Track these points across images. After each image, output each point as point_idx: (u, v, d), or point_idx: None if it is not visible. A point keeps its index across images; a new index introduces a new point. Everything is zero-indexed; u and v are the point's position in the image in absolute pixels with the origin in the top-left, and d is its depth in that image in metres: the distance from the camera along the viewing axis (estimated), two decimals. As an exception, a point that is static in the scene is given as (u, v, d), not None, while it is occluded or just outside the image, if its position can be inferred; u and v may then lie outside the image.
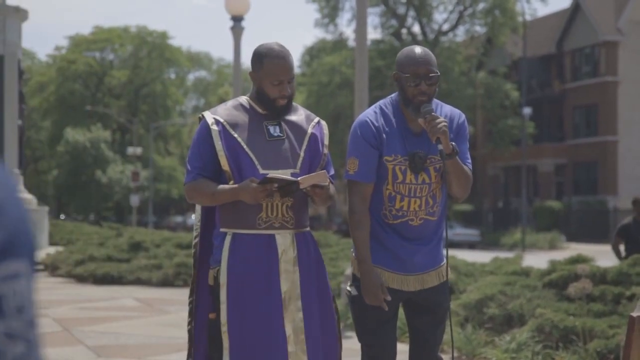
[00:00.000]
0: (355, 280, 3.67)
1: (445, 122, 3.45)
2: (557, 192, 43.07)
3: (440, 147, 3.43)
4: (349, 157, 3.59)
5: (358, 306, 3.65)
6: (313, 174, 3.47)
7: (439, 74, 3.55)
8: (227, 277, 3.46)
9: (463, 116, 3.74)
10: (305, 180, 3.40)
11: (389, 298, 3.54)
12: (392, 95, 3.68)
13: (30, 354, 0.70)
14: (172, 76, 64.00)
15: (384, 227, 3.60)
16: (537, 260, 14.79)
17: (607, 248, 13.21)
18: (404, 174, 3.55)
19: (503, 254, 15.01)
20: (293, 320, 3.50)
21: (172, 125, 60.40)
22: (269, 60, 3.51)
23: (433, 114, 3.46)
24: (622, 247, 9.86)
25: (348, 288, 3.71)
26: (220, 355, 3.45)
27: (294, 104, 3.68)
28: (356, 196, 3.57)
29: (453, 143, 3.49)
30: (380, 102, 3.67)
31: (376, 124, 3.56)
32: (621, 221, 10.73)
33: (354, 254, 3.70)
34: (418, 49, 3.56)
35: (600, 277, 7.59)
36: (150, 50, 59.40)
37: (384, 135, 3.54)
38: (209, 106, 60.05)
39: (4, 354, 0.68)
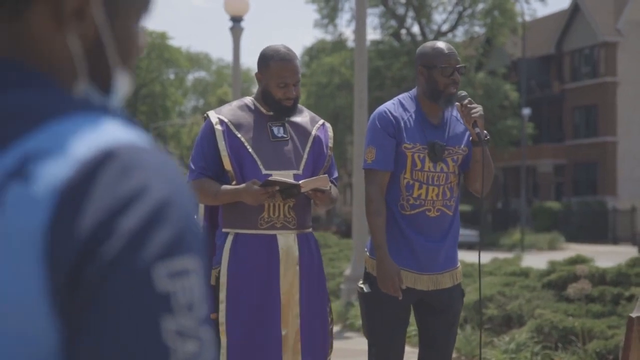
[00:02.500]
0: (367, 278, 3.68)
1: (481, 107, 3.58)
2: (556, 192, 43.05)
3: (477, 130, 3.51)
4: (367, 146, 3.66)
5: (370, 304, 3.65)
6: (314, 177, 3.49)
7: (465, 65, 3.72)
8: (227, 278, 3.47)
9: None
10: (306, 184, 3.42)
11: (404, 286, 3.55)
12: (410, 91, 3.75)
13: (201, 353, 0.70)
14: (172, 77, 63.95)
15: (401, 221, 3.62)
16: (536, 260, 14.80)
17: (606, 248, 13.21)
18: (422, 162, 3.60)
19: (502, 255, 15.01)
20: (292, 321, 3.51)
21: (172, 126, 60.39)
22: (275, 62, 3.52)
23: (469, 99, 3.57)
24: (623, 249, 9.84)
25: (360, 285, 3.70)
26: (218, 354, 3.46)
27: (299, 105, 3.69)
28: (373, 184, 3.61)
29: (485, 131, 3.59)
30: (399, 96, 3.77)
31: (394, 114, 3.63)
32: None
33: (367, 252, 3.72)
34: (442, 43, 3.69)
35: (599, 277, 7.60)
36: (150, 51, 59.33)
37: (402, 125, 3.60)
38: (208, 107, 59.99)
39: (175, 352, 0.68)
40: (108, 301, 0.68)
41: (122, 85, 0.82)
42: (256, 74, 3.62)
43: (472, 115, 3.53)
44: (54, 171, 0.70)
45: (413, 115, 3.64)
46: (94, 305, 0.68)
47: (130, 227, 0.69)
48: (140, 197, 0.70)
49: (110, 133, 0.73)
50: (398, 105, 3.67)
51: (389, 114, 3.62)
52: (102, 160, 0.70)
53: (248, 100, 3.70)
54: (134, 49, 0.83)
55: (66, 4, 0.76)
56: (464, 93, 3.60)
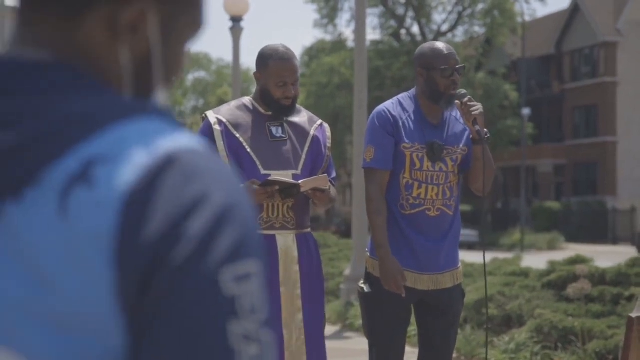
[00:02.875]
0: (368, 278, 3.68)
1: (480, 105, 3.59)
2: (556, 192, 43.05)
3: (477, 127, 3.51)
4: (366, 146, 3.67)
5: (371, 304, 3.65)
6: (314, 177, 3.49)
7: (464, 65, 3.71)
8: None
9: None
10: (306, 184, 3.42)
11: (407, 283, 3.56)
12: (409, 91, 3.76)
13: (263, 356, 0.71)
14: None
15: (401, 220, 3.61)
16: (536, 260, 14.80)
17: (606, 248, 13.21)
18: (421, 161, 3.60)
19: (502, 255, 15.01)
20: (293, 321, 3.50)
21: (172, 126, 60.32)
22: (273, 61, 3.53)
23: (469, 97, 3.58)
24: (622, 249, 9.84)
25: (361, 285, 3.70)
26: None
27: (297, 105, 3.70)
28: (373, 184, 3.61)
29: (485, 129, 3.59)
30: (398, 96, 3.78)
31: (393, 113, 3.64)
32: None
33: (368, 253, 3.72)
34: (441, 44, 3.69)
35: (599, 277, 7.60)
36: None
37: (401, 124, 3.61)
38: (208, 107, 60.00)
39: (240, 355, 0.69)
40: (177, 306, 0.68)
41: (160, 102, 0.83)
42: (255, 74, 3.62)
43: (472, 113, 3.53)
44: (119, 176, 0.70)
45: (412, 115, 3.64)
46: (162, 309, 0.68)
47: (197, 232, 0.69)
48: (204, 202, 0.70)
49: (169, 138, 0.73)
50: (397, 105, 3.67)
51: (388, 113, 3.62)
52: (165, 166, 0.70)
53: (246, 100, 3.69)
54: (178, 69, 0.84)
55: (121, 16, 0.77)
56: (463, 91, 3.61)
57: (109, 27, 0.77)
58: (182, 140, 0.73)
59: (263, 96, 3.60)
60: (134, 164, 0.70)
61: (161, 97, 0.83)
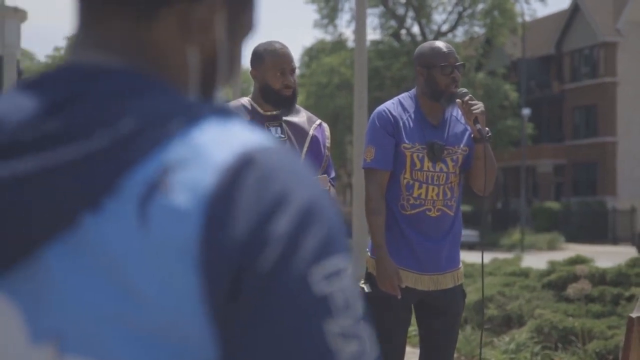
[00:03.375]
0: (369, 278, 3.67)
1: (482, 104, 3.58)
2: (556, 192, 43.05)
3: (478, 126, 3.51)
4: (366, 146, 3.67)
5: (371, 304, 3.65)
6: None
7: (464, 62, 3.73)
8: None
9: None
10: None
11: (403, 285, 3.55)
12: (410, 91, 3.76)
13: (364, 352, 0.69)
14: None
15: (401, 220, 3.61)
16: (536, 261, 14.79)
17: (606, 249, 13.21)
18: (421, 162, 3.60)
19: (502, 255, 15.01)
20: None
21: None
22: (268, 52, 3.56)
23: (470, 95, 3.57)
24: (623, 249, 9.84)
25: (361, 285, 3.70)
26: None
27: (296, 106, 3.69)
28: (373, 184, 3.61)
29: (487, 128, 3.59)
30: (399, 96, 3.78)
31: (394, 113, 3.64)
32: None
33: (369, 252, 3.71)
34: (440, 42, 3.70)
35: (599, 277, 7.60)
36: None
37: (402, 124, 3.61)
38: (208, 107, 59.93)
39: (340, 354, 0.67)
40: (270, 311, 0.66)
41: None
42: (251, 72, 3.63)
43: (473, 112, 3.52)
44: (198, 180, 0.68)
45: (412, 115, 3.64)
46: (255, 316, 0.66)
47: (283, 233, 0.67)
48: (286, 201, 0.69)
49: (242, 138, 0.71)
50: (397, 105, 3.67)
51: (389, 113, 3.62)
52: (243, 166, 0.69)
53: (245, 100, 3.69)
54: (238, 68, 0.83)
55: (193, 16, 0.75)
56: (464, 90, 3.60)
57: (181, 26, 0.76)
58: (256, 139, 0.72)
59: (263, 92, 3.60)
60: (212, 167, 0.68)
61: (220, 95, 0.82)
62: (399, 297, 3.53)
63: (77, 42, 0.76)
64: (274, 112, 3.62)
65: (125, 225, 0.67)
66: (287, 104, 3.60)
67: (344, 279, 0.70)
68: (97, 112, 0.69)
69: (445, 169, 3.63)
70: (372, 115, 3.72)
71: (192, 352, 0.67)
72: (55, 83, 0.71)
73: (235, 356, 0.67)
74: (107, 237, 0.67)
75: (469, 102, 3.55)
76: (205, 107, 0.73)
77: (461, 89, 3.61)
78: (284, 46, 3.62)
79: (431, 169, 3.61)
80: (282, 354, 0.66)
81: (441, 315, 3.70)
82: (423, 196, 3.60)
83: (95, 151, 0.68)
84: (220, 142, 0.70)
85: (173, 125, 0.70)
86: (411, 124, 3.62)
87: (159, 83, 0.74)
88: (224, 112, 0.73)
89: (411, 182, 3.61)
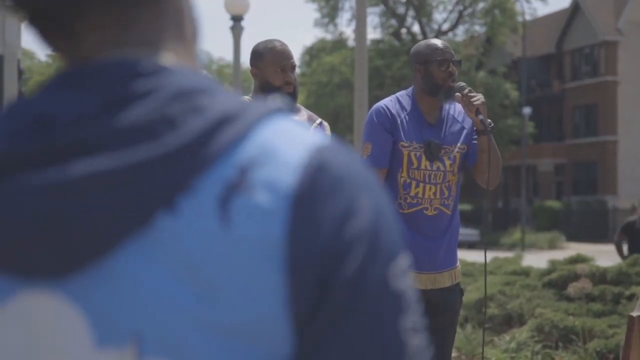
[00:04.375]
0: None
1: (482, 95, 3.61)
2: (556, 191, 43.06)
3: (480, 117, 3.52)
4: (363, 142, 3.68)
5: None
6: None
7: (460, 59, 3.76)
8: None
9: None
10: None
11: None
12: (407, 89, 3.77)
13: (424, 345, 0.71)
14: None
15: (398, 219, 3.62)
16: (536, 260, 14.79)
17: (606, 248, 13.22)
18: (418, 160, 3.61)
19: (503, 254, 15.01)
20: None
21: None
22: (268, 50, 3.58)
23: (469, 88, 3.60)
24: (625, 247, 9.86)
25: None
26: None
27: (296, 105, 3.70)
28: None
29: (489, 120, 3.60)
30: (397, 94, 3.78)
31: (392, 110, 3.65)
32: (626, 219, 10.72)
33: None
34: (435, 39, 3.75)
35: (599, 276, 7.60)
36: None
37: (399, 122, 3.62)
38: (208, 106, 59.93)
39: (411, 348, 0.69)
40: (354, 309, 0.67)
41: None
42: (251, 70, 3.64)
43: (474, 103, 3.53)
44: (278, 179, 0.67)
45: (410, 114, 3.66)
46: (338, 314, 0.67)
47: (364, 232, 0.68)
48: (362, 199, 0.69)
49: (304, 135, 0.71)
50: (395, 102, 3.68)
51: (387, 110, 3.64)
52: (318, 165, 0.68)
53: (246, 99, 3.70)
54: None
55: None
56: (462, 84, 3.62)
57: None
58: (318, 138, 0.71)
59: (263, 89, 3.61)
60: (289, 166, 0.68)
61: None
62: None
63: (107, 39, 0.73)
64: None
65: (204, 224, 0.66)
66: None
67: (409, 274, 0.71)
68: (164, 111, 0.68)
69: (442, 168, 3.63)
70: (369, 112, 3.74)
71: (273, 351, 0.67)
72: (105, 81, 0.69)
73: (314, 354, 0.67)
74: (185, 236, 0.66)
75: (469, 94, 3.55)
76: (265, 105, 0.72)
77: (459, 82, 3.63)
78: (284, 44, 3.64)
79: (428, 168, 3.62)
80: (362, 350, 0.67)
81: (439, 313, 3.71)
82: (420, 195, 3.61)
83: (167, 151, 0.66)
84: (287, 141, 0.70)
85: (242, 124, 0.69)
86: (409, 123, 3.64)
87: (209, 79, 0.73)
88: (281, 111, 0.73)
89: (408, 180, 3.61)
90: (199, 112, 0.68)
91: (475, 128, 3.65)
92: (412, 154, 3.61)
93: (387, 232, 0.70)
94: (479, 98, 3.55)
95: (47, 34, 0.74)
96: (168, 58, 0.73)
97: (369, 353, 0.67)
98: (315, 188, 0.68)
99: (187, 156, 0.67)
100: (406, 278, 0.70)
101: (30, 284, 0.67)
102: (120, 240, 0.66)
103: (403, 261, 0.70)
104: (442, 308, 3.71)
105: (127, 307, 0.66)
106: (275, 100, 0.75)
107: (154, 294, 0.66)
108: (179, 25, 0.75)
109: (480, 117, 3.55)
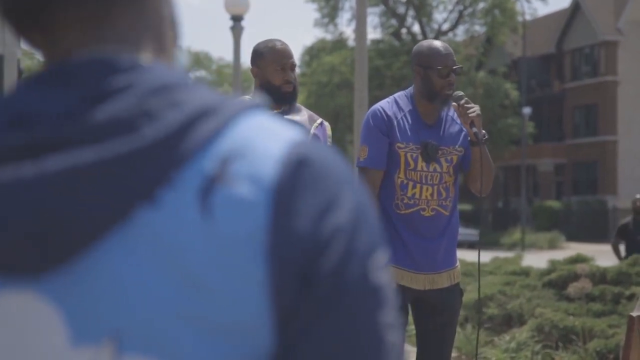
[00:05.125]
0: None
1: (478, 107, 3.60)
2: (556, 191, 43.06)
3: (474, 129, 3.52)
4: (360, 145, 3.69)
5: None
6: None
7: (462, 65, 3.71)
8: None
9: None
10: None
11: (403, 282, 3.58)
12: (406, 89, 3.77)
13: (398, 341, 0.71)
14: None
15: (396, 220, 3.63)
16: (536, 260, 14.79)
17: (606, 248, 13.23)
18: (415, 162, 3.61)
19: (502, 254, 15.01)
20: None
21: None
22: (268, 49, 3.59)
23: (466, 98, 3.59)
24: (622, 247, 9.86)
25: None
26: None
27: (297, 104, 3.71)
28: (365, 182, 3.62)
29: (484, 131, 3.60)
30: (395, 95, 3.78)
31: (388, 113, 3.65)
32: (621, 221, 10.75)
33: None
34: (439, 43, 3.71)
35: (599, 276, 7.60)
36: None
37: (396, 124, 3.62)
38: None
39: (389, 344, 0.69)
40: (334, 302, 0.67)
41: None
42: (252, 70, 3.66)
43: (469, 115, 3.54)
44: (259, 171, 0.67)
45: (407, 115, 3.65)
46: (319, 306, 0.66)
47: (344, 225, 0.68)
48: (343, 192, 0.69)
49: (282, 130, 0.71)
50: (393, 104, 3.68)
51: (383, 113, 3.64)
52: (298, 158, 0.69)
53: (245, 100, 3.71)
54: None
55: None
56: (460, 93, 3.61)
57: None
58: (295, 133, 0.72)
59: (263, 89, 3.62)
60: (270, 158, 0.68)
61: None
62: None
63: (84, 37, 0.73)
64: (276, 111, 3.62)
65: (185, 217, 0.66)
66: (288, 100, 3.62)
67: (387, 270, 0.71)
68: (142, 105, 0.67)
69: (439, 169, 3.64)
70: (366, 114, 3.75)
71: (254, 344, 0.66)
72: (83, 77, 0.69)
73: (294, 346, 0.67)
74: (166, 229, 0.66)
75: (465, 105, 3.56)
76: (240, 101, 0.72)
77: (457, 92, 3.62)
78: (284, 43, 3.65)
79: (425, 169, 3.62)
80: (342, 344, 0.67)
81: (437, 314, 3.71)
82: (417, 196, 3.62)
83: (147, 144, 0.66)
84: (267, 135, 0.70)
85: (220, 117, 0.69)
86: (406, 124, 3.63)
87: (186, 75, 0.72)
88: (257, 107, 0.73)
89: (405, 181, 3.62)
90: (177, 106, 0.68)
91: (469, 139, 3.65)
92: (409, 155, 3.61)
93: (367, 226, 0.69)
94: (474, 110, 3.55)
95: (22, 27, 0.74)
96: (146, 56, 0.72)
97: (349, 347, 0.67)
98: (296, 181, 0.68)
99: (167, 149, 0.66)
100: (385, 273, 0.70)
101: (7, 282, 0.66)
102: (100, 235, 0.65)
103: (382, 256, 0.70)
104: (440, 308, 3.71)
105: (106, 303, 0.65)
106: (254, 97, 0.75)
107: (134, 289, 0.65)
108: (158, 27, 0.75)
109: (474, 129, 3.55)
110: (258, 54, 3.64)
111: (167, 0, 0.77)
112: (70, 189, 0.64)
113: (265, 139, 0.69)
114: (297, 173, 0.68)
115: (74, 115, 0.67)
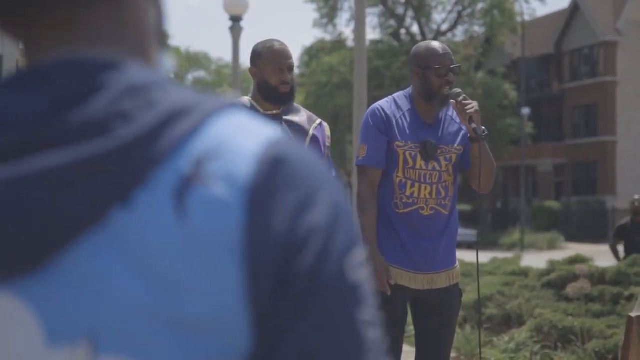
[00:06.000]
0: None
1: (476, 103, 3.61)
2: (556, 192, 43.06)
3: (473, 125, 3.53)
4: (360, 144, 3.70)
5: None
6: None
7: (460, 65, 3.72)
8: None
9: None
10: None
11: (392, 282, 3.57)
12: (405, 90, 3.78)
13: (379, 338, 0.71)
14: (171, 76, 64.01)
15: (395, 219, 3.63)
16: (535, 260, 14.79)
17: (605, 248, 13.23)
18: (414, 160, 3.62)
19: (502, 254, 15.01)
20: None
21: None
22: (266, 49, 3.60)
23: (464, 95, 3.59)
24: (621, 248, 9.86)
25: None
26: None
27: (296, 105, 3.71)
28: (364, 181, 3.64)
29: (483, 127, 3.60)
30: (394, 94, 3.80)
31: (387, 112, 3.66)
32: (619, 222, 10.76)
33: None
34: (437, 43, 3.72)
35: (598, 277, 7.61)
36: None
37: (395, 123, 3.63)
38: (208, 106, 59.92)
39: (368, 341, 0.69)
40: (312, 300, 0.66)
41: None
42: (250, 69, 3.67)
43: (467, 112, 3.54)
44: (234, 170, 0.67)
45: (406, 114, 3.66)
46: (297, 305, 0.66)
47: (321, 223, 0.68)
48: (319, 191, 0.69)
49: (260, 129, 0.71)
50: (392, 103, 3.70)
51: (382, 112, 3.65)
52: (274, 155, 0.68)
53: (245, 100, 3.71)
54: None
55: None
56: (458, 90, 3.62)
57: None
58: (273, 131, 0.71)
59: (261, 89, 3.63)
60: (245, 156, 0.68)
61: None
62: (388, 293, 3.55)
63: (59, 37, 0.72)
64: (275, 112, 3.63)
65: (160, 217, 0.66)
66: (285, 101, 3.62)
67: (365, 267, 0.71)
68: (116, 106, 0.67)
69: (438, 168, 3.64)
70: (366, 114, 3.77)
71: (231, 345, 0.66)
72: (57, 78, 0.69)
73: (273, 346, 0.67)
74: (141, 230, 0.65)
75: (463, 102, 3.56)
76: (217, 100, 0.72)
77: (455, 89, 3.62)
78: (283, 44, 3.66)
79: (424, 168, 3.63)
80: (321, 343, 0.66)
81: (436, 314, 3.71)
82: (416, 195, 3.62)
83: (121, 145, 0.66)
84: (242, 133, 0.69)
85: (195, 117, 0.69)
86: (405, 123, 3.64)
87: (163, 75, 0.72)
88: (235, 106, 0.73)
89: (404, 180, 3.62)
90: (152, 106, 0.68)
91: (468, 135, 3.66)
92: (407, 153, 3.62)
93: (344, 225, 0.69)
94: (473, 106, 3.56)
95: (3, 25, 0.74)
96: (122, 57, 0.72)
97: (328, 346, 0.67)
98: (271, 180, 0.67)
99: (141, 150, 0.66)
100: (362, 271, 0.70)
101: None
102: (75, 236, 0.65)
103: (359, 254, 0.70)
104: (438, 309, 3.71)
105: (82, 304, 0.65)
106: (230, 95, 0.75)
107: (109, 289, 0.65)
108: (137, 27, 0.74)
109: (474, 125, 3.56)
110: (256, 54, 3.65)
111: (149, 1, 0.76)
112: (44, 190, 0.64)
113: (241, 137, 0.69)
114: (273, 172, 0.68)
115: (48, 117, 0.66)
